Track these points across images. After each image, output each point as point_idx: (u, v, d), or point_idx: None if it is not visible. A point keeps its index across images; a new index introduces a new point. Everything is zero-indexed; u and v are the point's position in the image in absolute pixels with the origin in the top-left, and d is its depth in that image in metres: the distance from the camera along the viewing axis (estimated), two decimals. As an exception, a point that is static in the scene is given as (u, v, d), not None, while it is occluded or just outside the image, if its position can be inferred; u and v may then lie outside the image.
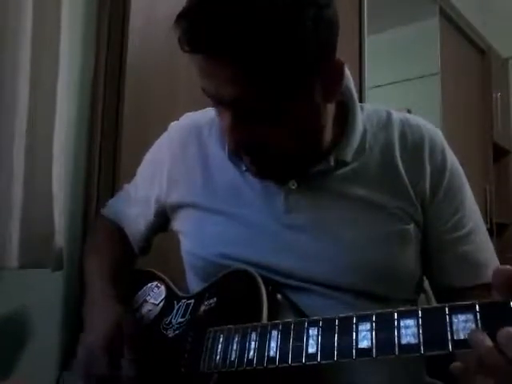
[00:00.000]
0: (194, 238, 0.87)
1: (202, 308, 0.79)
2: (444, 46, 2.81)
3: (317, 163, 0.79)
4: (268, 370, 0.64)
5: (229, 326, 0.71)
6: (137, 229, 0.97)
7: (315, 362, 0.60)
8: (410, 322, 0.55)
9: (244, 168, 0.82)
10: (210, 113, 0.92)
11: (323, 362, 0.60)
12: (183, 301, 0.84)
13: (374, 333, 0.57)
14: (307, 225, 0.79)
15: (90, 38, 1.21)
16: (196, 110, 0.96)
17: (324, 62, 0.70)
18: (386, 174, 0.81)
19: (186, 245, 0.89)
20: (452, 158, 0.85)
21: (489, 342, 0.50)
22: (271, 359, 0.64)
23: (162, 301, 0.88)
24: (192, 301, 0.83)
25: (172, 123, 0.96)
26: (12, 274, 1.00)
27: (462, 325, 0.52)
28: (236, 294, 0.77)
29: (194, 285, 0.87)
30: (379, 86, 2.41)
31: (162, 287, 0.90)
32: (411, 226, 0.80)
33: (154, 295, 0.89)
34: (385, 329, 0.57)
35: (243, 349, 0.67)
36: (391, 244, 0.79)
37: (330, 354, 0.59)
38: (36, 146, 0.99)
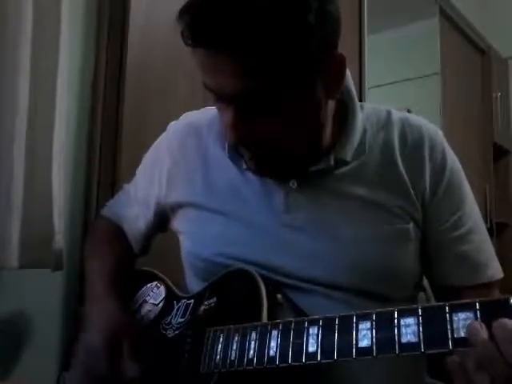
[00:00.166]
0: (193, 238, 0.87)
1: (202, 308, 0.79)
2: (444, 45, 2.81)
3: (317, 162, 0.79)
4: (268, 369, 0.64)
5: (229, 326, 0.71)
6: (136, 228, 0.96)
7: (315, 362, 0.60)
8: (411, 320, 0.56)
9: (244, 166, 0.82)
10: (209, 112, 0.92)
11: (323, 361, 0.60)
12: (183, 301, 0.84)
13: (374, 332, 0.57)
14: (307, 224, 0.79)
15: (90, 38, 1.22)
16: (195, 110, 0.96)
17: (326, 57, 0.70)
18: (385, 173, 0.81)
19: (186, 244, 0.89)
20: (452, 158, 0.85)
21: (485, 335, 0.51)
22: (271, 359, 0.64)
23: (161, 301, 0.88)
24: (192, 301, 0.83)
25: (171, 123, 0.96)
26: (12, 274, 1.00)
27: (463, 323, 0.53)
28: (236, 293, 0.77)
29: (194, 284, 0.87)
30: (379, 85, 2.41)
31: (162, 287, 0.90)
32: (411, 225, 0.80)
33: (154, 295, 0.89)
34: (385, 327, 0.57)
35: (243, 348, 0.67)
36: (391, 243, 0.79)
37: (330, 354, 0.59)
38: (36, 146, 0.99)
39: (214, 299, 0.78)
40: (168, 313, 0.85)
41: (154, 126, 1.05)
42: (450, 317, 0.53)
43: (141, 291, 0.91)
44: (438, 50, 2.77)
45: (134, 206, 0.97)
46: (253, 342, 0.66)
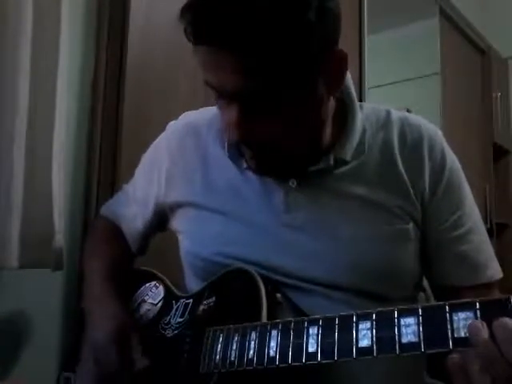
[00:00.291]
0: (193, 238, 0.87)
1: (201, 307, 0.79)
2: (444, 45, 2.81)
3: (316, 162, 0.79)
4: (268, 369, 0.64)
5: (228, 326, 0.71)
6: (134, 228, 0.97)
7: (315, 362, 0.60)
8: (411, 320, 0.56)
9: (244, 165, 0.82)
10: (208, 112, 0.92)
11: (323, 361, 0.60)
12: (182, 300, 0.84)
13: (374, 331, 0.57)
14: (307, 224, 0.79)
15: (90, 38, 1.22)
16: (195, 110, 0.96)
17: (327, 53, 0.70)
18: (385, 173, 0.81)
19: (185, 244, 0.89)
20: (451, 157, 0.85)
21: (486, 334, 0.51)
22: (271, 359, 0.64)
23: (160, 300, 0.88)
24: (191, 300, 0.83)
25: (170, 123, 0.96)
26: (12, 274, 1.00)
27: (463, 323, 0.53)
28: (235, 293, 0.76)
29: (193, 284, 0.87)
30: (379, 86, 2.41)
31: (161, 287, 0.90)
32: (410, 226, 0.80)
33: (153, 295, 0.89)
34: (385, 327, 0.57)
35: (243, 348, 0.67)
36: (391, 243, 0.79)
37: (330, 354, 0.59)
38: (36, 146, 0.99)
39: (213, 299, 0.78)
40: (167, 312, 0.85)
41: (154, 125, 1.05)
42: (450, 316, 0.53)
43: (139, 291, 0.91)
44: (437, 50, 2.77)
45: (132, 205, 0.97)
46: (253, 342, 0.66)
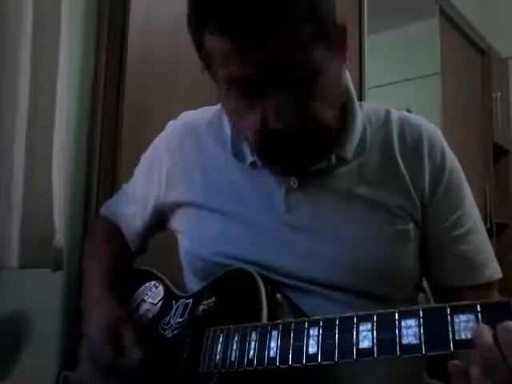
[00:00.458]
0: (193, 238, 0.87)
1: (201, 307, 0.79)
2: (444, 45, 2.81)
3: (318, 161, 0.79)
4: (268, 370, 0.64)
5: (228, 326, 0.71)
6: (133, 227, 0.96)
7: (315, 363, 0.60)
8: (412, 322, 0.55)
9: (249, 161, 0.82)
10: (207, 112, 0.92)
11: (324, 362, 0.60)
12: (182, 300, 0.84)
13: (374, 333, 0.57)
14: (307, 224, 0.79)
15: (90, 38, 1.22)
16: (195, 110, 0.96)
17: (333, 26, 0.73)
18: (386, 173, 0.81)
19: (185, 244, 0.89)
20: (451, 157, 0.85)
21: (490, 338, 0.50)
22: (271, 359, 0.64)
23: (160, 300, 0.88)
24: (191, 300, 0.83)
25: (169, 122, 0.96)
26: (12, 274, 1.00)
27: (464, 325, 0.52)
28: (235, 293, 0.76)
29: (193, 284, 0.87)
30: (379, 86, 2.41)
31: (160, 287, 0.90)
32: (411, 226, 0.80)
33: (152, 295, 0.89)
34: (386, 329, 0.57)
35: (243, 349, 0.67)
36: (391, 244, 0.79)
37: (331, 355, 0.59)
38: (36, 146, 0.99)
39: (213, 299, 0.78)
40: (167, 312, 0.85)
41: (154, 125, 1.05)
42: (451, 318, 0.53)
43: (139, 290, 0.91)
44: (437, 50, 2.77)
45: (131, 204, 0.97)
46: (253, 343, 0.66)
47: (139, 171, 0.99)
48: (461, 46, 3.07)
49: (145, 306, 0.88)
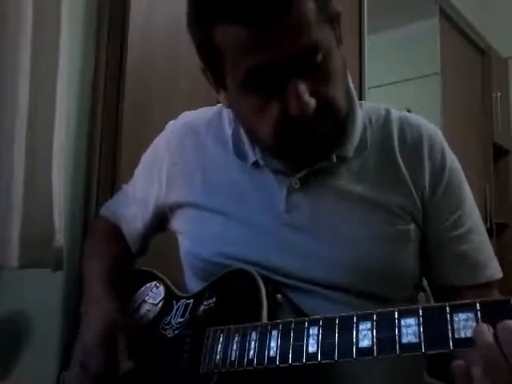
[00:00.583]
0: (193, 238, 0.87)
1: (202, 308, 0.79)
2: (444, 45, 2.81)
3: (319, 161, 0.79)
4: (268, 369, 0.64)
5: (228, 326, 0.71)
6: (134, 228, 0.96)
7: (315, 362, 0.60)
8: (411, 320, 0.56)
9: (252, 160, 0.81)
10: (207, 112, 0.92)
11: (323, 361, 0.60)
12: (182, 301, 0.84)
13: (374, 332, 0.57)
14: (308, 224, 0.79)
15: (90, 38, 1.22)
16: (195, 110, 0.96)
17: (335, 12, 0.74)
18: (386, 172, 0.81)
19: (186, 245, 0.89)
20: (451, 157, 0.85)
21: (491, 337, 0.51)
22: (271, 359, 0.64)
23: (160, 301, 0.88)
24: (191, 300, 0.83)
25: (169, 122, 0.96)
26: (12, 274, 1.00)
27: (463, 323, 0.53)
28: (235, 293, 0.76)
29: (193, 285, 0.87)
30: (379, 86, 2.41)
31: (161, 287, 0.90)
32: (411, 226, 0.80)
33: (153, 295, 0.89)
34: (386, 328, 0.57)
35: (243, 349, 0.67)
36: (392, 244, 0.79)
37: (331, 354, 0.59)
38: (36, 146, 0.99)
39: (214, 299, 0.78)
40: (167, 313, 0.85)
41: (154, 126, 1.05)
42: (451, 317, 0.53)
43: (140, 291, 0.91)
44: (437, 50, 2.77)
45: (132, 205, 0.97)
46: (253, 342, 0.66)
47: (139, 172, 0.99)
48: (461, 45, 3.07)
49: (146, 307, 0.88)
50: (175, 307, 0.84)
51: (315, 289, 0.77)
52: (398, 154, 0.82)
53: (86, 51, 1.20)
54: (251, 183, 0.83)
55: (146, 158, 0.98)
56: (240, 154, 0.83)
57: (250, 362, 0.66)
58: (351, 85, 0.84)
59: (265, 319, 0.69)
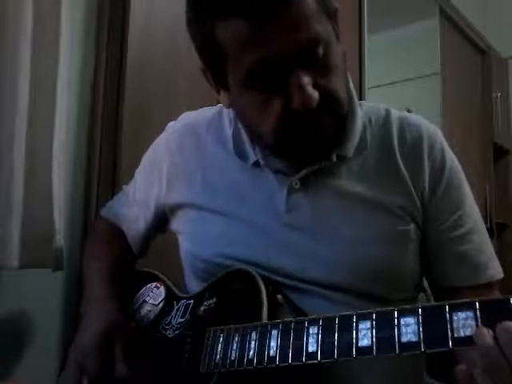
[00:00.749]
0: (193, 239, 0.87)
1: (202, 308, 0.79)
2: (444, 45, 2.81)
3: (319, 160, 0.79)
4: (268, 369, 0.64)
5: (229, 326, 0.71)
6: (136, 229, 0.96)
7: (315, 361, 0.60)
8: (411, 319, 0.56)
9: (252, 160, 0.81)
10: (207, 112, 0.92)
11: (323, 360, 0.60)
12: (183, 301, 0.84)
13: (374, 331, 0.57)
14: (308, 224, 0.79)
15: (90, 38, 1.22)
16: (195, 110, 0.96)
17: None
18: (386, 172, 0.81)
19: (186, 245, 0.89)
20: (451, 157, 0.85)
21: (491, 339, 0.50)
22: (271, 359, 0.64)
23: (161, 301, 0.88)
24: (192, 301, 0.83)
25: (170, 123, 0.96)
26: (12, 274, 1.00)
27: (462, 322, 0.53)
28: (236, 294, 0.76)
29: (194, 285, 0.87)
30: (379, 86, 2.41)
31: (162, 288, 0.90)
32: (412, 226, 0.80)
33: (154, 296, 0.89)
34: (385, 327, 0.57)
35: (243, 348, 0.67)
36: (392, 245, 0.79)
37: (331, 353, 0.59)
38: (36, 146, 0.99)
39: (214, 300, 0.78)
40: (168, 313, 0.85)
41: (154, 126, 1.05)
42: (450, 316, 0.53)
43: (140, 292, 0.91)
44: (437, 50, 2.77)
45: (133, 206, 0.97)
46: (253, 342, 0.66)
47: (140, 173, 0.99)
48: (461, 46, 3.07)
49: (146, 307, 0.88)
50: (175, 308, 0.84)
51: (315, 289, 0.77)
52: (397, 154, 0.82)
53: (85, 51, 1.21)
54: (252, 183, 0.83)
55: (146, 159, 0.98)
56: (240, 153, 0.83)
57: (250, 361, 0.66)
58: (351, 85, 0.83)
59: (265, 320, 0.69)
